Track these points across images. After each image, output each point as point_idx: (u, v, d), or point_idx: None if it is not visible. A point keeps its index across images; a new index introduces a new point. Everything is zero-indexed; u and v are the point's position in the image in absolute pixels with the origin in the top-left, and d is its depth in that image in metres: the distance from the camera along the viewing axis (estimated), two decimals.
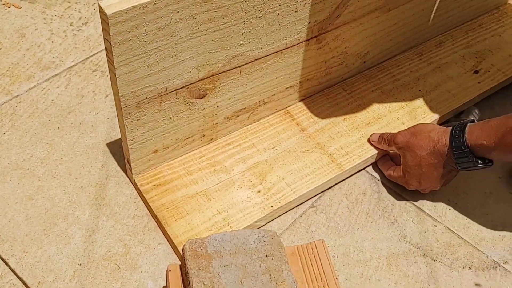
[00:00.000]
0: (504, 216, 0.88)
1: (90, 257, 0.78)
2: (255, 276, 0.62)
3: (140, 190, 0.85)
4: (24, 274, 0.76)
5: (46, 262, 0.77)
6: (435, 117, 0.97)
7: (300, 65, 0.91)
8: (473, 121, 0.81)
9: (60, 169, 0.89)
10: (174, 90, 0.78)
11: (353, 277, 0.79)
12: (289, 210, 0.86)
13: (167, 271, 0.68)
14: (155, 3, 0.67)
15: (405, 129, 0.87)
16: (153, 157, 0.85)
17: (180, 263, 0.70)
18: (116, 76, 0.71)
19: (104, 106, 0.99)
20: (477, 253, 0.84)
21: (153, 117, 0.79)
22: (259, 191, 0.85)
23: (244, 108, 0.90)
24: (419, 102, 1.00)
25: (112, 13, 0.64)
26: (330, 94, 1.00)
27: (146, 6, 0.66)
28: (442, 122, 0.99)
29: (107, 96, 1.01)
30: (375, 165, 0.94)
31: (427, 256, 0.83)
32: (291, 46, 0.87)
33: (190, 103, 0.82)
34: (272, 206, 0.83)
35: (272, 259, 0.64)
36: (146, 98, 0.76)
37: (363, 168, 0.93)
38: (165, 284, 0.75)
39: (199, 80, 0.80)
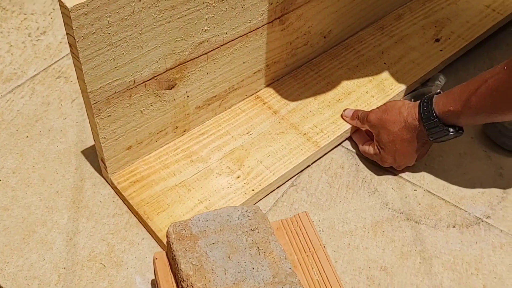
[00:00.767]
0: (481, 174, 0.90)
1: (74, 259, 0.77)
2: (242, 251, 0.61)
3: (117, 189, 0.83)
4: (8, 285, 0.74)
5: (29, 270, 0.75)
6: (402, 87, 0.99)
7: (266, 48, 0.92)
8: (439, 93, 0.82)
9: (33, 177, 0.87)
10: (143, 82, 0.77)
11: (340, 248, 0.79)
12: (271, 192, 0.86)
13: (153, 260, 0.67)
14: None
15: (377, 108, 0.88)
16: (127, 154, 0.83)
17: (166, 251, 0.69)
18: (83, 71, 0.69)
19: (71, 111, 0.97)
20: (459, 211, 0.85)
21: (123, 112, 0.78)
22: (238, 177, 0.85)
23: (215, 96, 0.90)
24: (385, 74, 1.01)
25: (74, 6, 0.63)
26: (298, 75, 1.01)
27: None
28: (409, 92, 1.01)
29: (73, 101, 0.99)
30: (350, 139, 0.95)
31: (410, 219, 0.84)
32: (255, 29, 0.87)
33: (160, 95, 0.81)
34: (253, 190, 0.83)
35: (258, 232, 0.64)
36: (115, 92, 0.75)
37: (339, 144, 0.94)
38: (153, 277, 0.74)
39: (167, 70, 0.79)
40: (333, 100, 0.97)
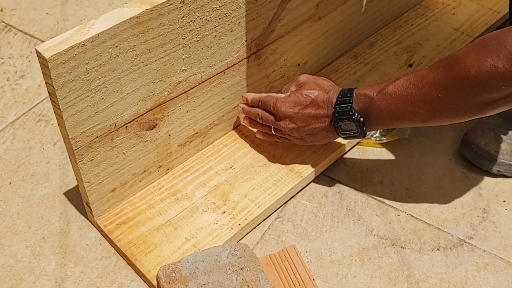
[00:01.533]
0: (461, 195, 0.92)
1: None
2: None
3: (104, 232, 0.83)
4: None
5: None
6: None
7: (244, 83, 0.93)
8: None
9: (18, 223, 0.87)
10: (124, 125, 0.78)
11: (329, 278, 0.80)
12: (257, 225, 0.87)
13: None
14: (93, 41, 0.67)
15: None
16: (112, 196, 0.84)
17: None
18: (64, 119, 0.70)
19: (53, 154, 0.98)
20: (442, 234, 0.87)
21: (106, 155, 0.78)
22: (224, 212, 0.85)
23: (196, 133, 0.91)
24: None
25: (51, 56, 0.64)
26: None
27: (84, 44, 0.66)
28: None
29: (55, 144, 0.99)
30: (332, 167, 0.96)
31: (396, 245, 0.85)
32: (232, 66, 0.89)
33: (142, 136, 0.82)
34: (239, 224, 0.84)
35: (248, 271, 0.64)
36: (97, 137, 0.75)
37: (321, 173, 0.95)
38: None
39: (147, 111, 0.80)
40: None
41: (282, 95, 0.87)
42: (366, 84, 1.06)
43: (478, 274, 0.81)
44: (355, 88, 0.82)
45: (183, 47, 0.78)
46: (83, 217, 0.87)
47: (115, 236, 0.82)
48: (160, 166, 0.88)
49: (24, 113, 1.05)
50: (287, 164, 0.92)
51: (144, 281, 0.79)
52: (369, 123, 0.81)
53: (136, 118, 0.79)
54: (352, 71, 1.09)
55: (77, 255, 0.83)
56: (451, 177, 0.95)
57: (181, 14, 0.75)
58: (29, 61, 1.17)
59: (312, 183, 0.94)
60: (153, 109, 0.80)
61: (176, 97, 0.83)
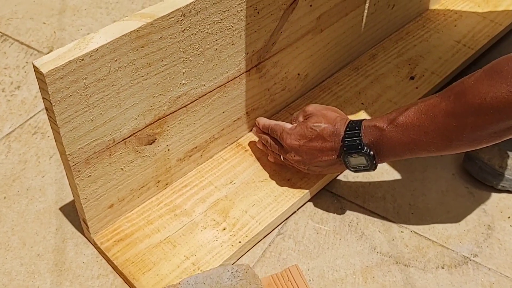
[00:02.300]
0: (464, 211, 0.90)
1: None
2: None
3: (101, 249, 0.81)
4: None
5: None
6: None
7: (245, 96, 0.92)
8: None
9: (12, 240, 0.84)
10: (122, 140, 0.76)
11: None
12: (258, 242, 0.85)
13: None
14: (92, 55, 0.65)
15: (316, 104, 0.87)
16: (109, 212, 0.82)
17: None
18: (61, 135, 0.68)
19: (49, 168, 0.95)
20: (447, 251, 0.85)
21: (104, 171, 0.76)
22: (224, 229, 0.83)
23: (196, 147, 0.89)
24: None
25: (49, 71, 0.62)
26: (278, 120, 1.00)
27: (83, 59, 0.65)
28: None
29: (51, 157, 0.97)
30: (334, 182, 0.94)
31: (399, 263, 0.83)
32: (233, 79, 0.87)
33: (140, 151, 0.80)
34: (240, 242, 0.82)
35: None
36: (95, 152, 0.73)
37: (323, 188, 0.93)
38: None
39: (146, 126, 0.78)
40: None
41: (289, 126, 0.86)
42: (368, 96, 1.05)
43: None
44: (363, 120, 0.79)
45: (183, 60, 0.77)
46: (79, 233, 0.85)
47: (112, 253, 0.80)
48: (158, 181, 0.86)
49: (20, 125, 1.03)
50: (288, 179, 0.91)
51: None
52: (380, 155, 0.78)
53: (135, 133, 0.77)
54: (354, 84, 1.08)
55: (73, 273, 0.80)
56: (455, 192, 0.94)
57: (182, 28, 0.73)
58: (25, 72, 1.15)
59: (313, 198, 0.92)
60: (152, 123, 0.79)
61: (175, 111, 0.81)
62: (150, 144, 0.81)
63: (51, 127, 0.69)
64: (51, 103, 0.65)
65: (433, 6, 1.25)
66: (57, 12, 1.27)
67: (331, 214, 0.90)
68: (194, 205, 0.86)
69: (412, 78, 1.09)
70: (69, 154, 0.70)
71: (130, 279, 0.77)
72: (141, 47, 0.70)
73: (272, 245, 0.85)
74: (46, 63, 0.63)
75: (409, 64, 1.12)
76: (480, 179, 0.94)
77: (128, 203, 0.84)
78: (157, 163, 0.84)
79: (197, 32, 0.76)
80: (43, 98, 0.66)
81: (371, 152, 0.77)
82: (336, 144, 0.80)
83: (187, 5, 0.72)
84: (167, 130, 0.82)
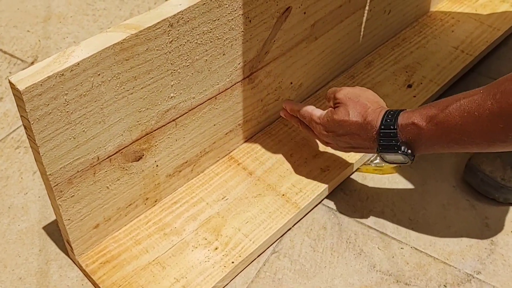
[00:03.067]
0: (466, 225, 0.87)
1: None
2: None
3: (86, 271, 0.77)
4: None
5: None
6: None
7: (237, 108, 0.88)
8: None
9: None
10: (108, 157, 0.72)
11: None
12: (251, 261, 0.81)
13: None
14: (72, 70, 0.61)
15: (350, 88, 0.82)
16: (95, 233, 0.77)
17: None
18: (41, 154, 0.64)
19: (33, 184, 0.91)
20: (449, 268, 0.81)
21: (88, 190, 0.72)
22: (216, 248, 0.79)
23: (186, 162, 0.85)
24: None
25: (26, 88, 0.58)
26: (271, 131, 0.97)
27: (63, 74, 0.61)
28: None
29: (34, 173, 0.93)
30: (330, 195, 0.91)
31: (400, 281, 0.80)
32: (224, 90, 0.83)
33: (127, 168, 0.76)
34: (232, 262, 0.78)
35: None
36: (78, 171, 0.69)
37: (319, 202, 0.90)
38: None
39: (133, 142, 0.74)
40: (310, 156, 0.93)
41: (317, 114, 0.82)
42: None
43: None
44: (399, 113, 0.74)
45: (171, 73, 0.73)
46: (63, 255, 0.81)
47: (98, 276, 0.76)
48: (147, 198, 0.82)
49: (2, 139, 0.99)
50: (283, 194, 0.87)
51: None
52: (417, 151, 0.74)
53: (120, 150, 0.73)
54: None
55: None
56: (456, 206, 0.90)
57: (169, 39, 0.69)
58: (8, 83, 1.10)
59: (309, 213, 0.88)
60: (139, 139, 0.75)
61: (164, 125, 0.77)
62: (137, 161, 0.77)
63: (31, 146, 0.65)
64: (29, 122, 0.61)
65: (431, 9, 1.22)
66: (42, 20, 1.23)
67: (328, 230, 0.86)
68: (185, 223, 0.82)
69: (409, 86, 1.05)
70: (50, 174, 0.66)
71: None
72: (126, 60, 0.66)
73: (266, 264, 0.81)
74: (23, 79, 0.59)
75: (406, 72, 1.08)
76: (482, 192, 0.90)
77: (114, 222, 0.79)
78: (145, 179, 0.80)
79: (185, 43, 0.72)
80: (20, 115, 0.62)
81: (409, 151, 0.74)
82: (368, 137, 0.76)
83: (174, 15, 0.68)
84: (155, 146, 0.78)
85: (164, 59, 0.70)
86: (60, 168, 0.67)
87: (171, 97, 0.75)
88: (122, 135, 0.72)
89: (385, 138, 0.74)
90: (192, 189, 0.87)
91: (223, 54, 0.79)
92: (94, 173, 0.72)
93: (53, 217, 0.86)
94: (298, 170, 0.91)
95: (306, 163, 0.92)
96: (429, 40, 1.15)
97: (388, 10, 1.08)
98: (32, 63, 1.13)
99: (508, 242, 0.85)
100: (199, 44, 0.74)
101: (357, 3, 0.98)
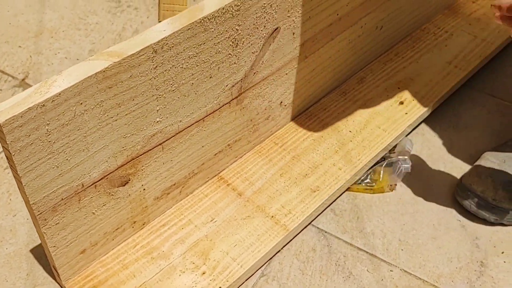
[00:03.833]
0: (456, 246, 0.86)
1: None
2: None
3: None
4: None
5: None
6: (370, 156, 0.95)
7: (226, 129, 0.87)
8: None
9: None
10: (92, 184, 0.72)
11: None
12: (239, 286, 0.81)
13: None
14: (54, 100, 0.61)
15: None
16: (81, 258, 0.77)
17: None
18: (23, 184, 0.63)
19: (21, 206, 0.91)
20: None
21: (73, 217, 0.72)
22: (204, 273, 0.79)
23: (174, 184, 0.84)
24: (352, 144, 0.98)
25: (6, 120, 0.58)
26: (262, 150, 0.96)
27: (44, 105, 0.60)
28: (377, 161, 0.97)
29: None
30: (320, 216, 0.90)
31: None
32: (212, 112, 0.83)
33: (113, 193, 0.75)
34: (220, 287, 0.77)
35: None
36: (62, 199, 0.69)
37: (309, 223, 0.89)
38: None
39: (118, 168, 0.74)
40: (300, 176, 0.92)
41: None
42: (355, 123, 1.00)
43: None
44: None
45: (157, 98, 0.72)
46: (51, 279, 0.81)
47: None
48: (134, 222, 0.82)
49: None
50: (272, 216, 0.86)
51: None
52: None
53: (106, 176, 0.73)
54: (341, 109, 1.04)
55: None
56: (447, 226, 0.90)
57: (153, 65, 0.69)
58: None
59: (299, 235, 0.88)
60: (124, 164, 0.74)
61: (150, 149, 0.76)
62: (124, 185, 0.76)
63: (13, 175, 0.65)
64: (10, 153, 0.60)
65: (425, 23, 1.21)
66: (34, 35, 1.22)
67: (317, 252, 0.85)
68: (173, 246, 0.82)
69: (401, 103, 1.05)
70: (33, 204, 0.66)
71: None
72: (109, 87, 0.66)
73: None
74: (3, 111, 0.58)
75: (399, 88, 1.08)
76: (473, 212, 0.90)
77: (102, 246, 0.79)
78: (132, 203, 0.79)
79: (170, 68, 0.71)
80: (2, 146, 0.61)
81: None
82: None
83: (158, 41, 0.67)
84: (142, 170, 0.77)
85: (148, 85, 0.70)
86: (44, 197, 0.67)
87: (157, 121, 0.75)
88: (107, 161, 0.71)
89: None
90: (180, 211, 0.86)
91: (210, 77, 0.78)
92: (79, 200, 0.71)
93: None
94: (288, 190, 0.90)
95: (296, 183, 0.91)
96: (422, 55, 1.14)
97: (380, 26, 1.07)
98: (23, 80, 1.12)
99: (498, 263, 0.85)
100: (184, 68, 0.73)
101: (348, 21, 0.97)
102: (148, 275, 0.78)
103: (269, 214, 0.86)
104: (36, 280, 0.81)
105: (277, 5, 0.81)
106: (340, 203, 0.93)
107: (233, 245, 0.82)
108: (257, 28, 0.80)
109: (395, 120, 1.01)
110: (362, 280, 0.82)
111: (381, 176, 0.95)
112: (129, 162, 0.74)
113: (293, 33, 0.87)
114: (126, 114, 0.70)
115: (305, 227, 0.89)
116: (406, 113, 1.03)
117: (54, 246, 0.72)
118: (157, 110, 0.74)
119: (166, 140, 0.78)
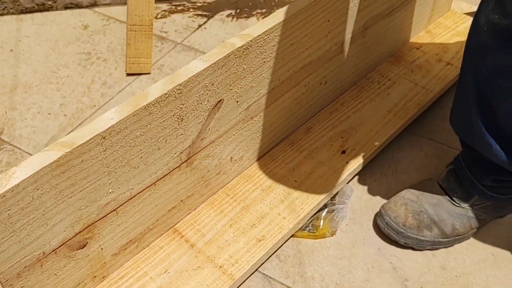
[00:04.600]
0: None
1: None
2: None
3: None
4: None
5: None
6: (313, 205, 1.05)
7: (178, 188, 0.97)
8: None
9: None
10: (53, 251, 0.81)
11: None
12: None
13: None
14: (13, 190, 0.71)
15: None
16: None
17: None
18: None
19: None
20: None
21: (37, 280, 0.82)
22: None
23: (130, 241, 0.94)
24: (297, 193, 1.08)
25: None
26: (214, 202, 1.06)
27: (4, 195, 0.70)
28: (319, 209, 1.07)
29: None
30: (266, 262, 1.00)
31: None
32: (163, 177, 0.92)
33: (72, 256, 0.85)
34: None
35: None
36: (25, 267, 0.79)
37: (255, 270, 0.99)
38: None
39: (76, 234, 0.83)
40: (248, 226, 1.02)
41: None
42: (300, 173, 1.10)
43: None
44: None
45: (108, 173, 0.82)
46: None
47: None
48: (95, 276, 0.92)
49: None
50: (220, 266, 0.96)
51: None
52: None
53: (65, 243, 0.82)
54: (288, 160, 1.14)
55: None
56: (379, 268, 1.00)
57: (103, 148, 0.79)
58: None
59: (245, 282, 0.98)
60: (82, 231, 0.84)
61: (105, 216, 0.86)
62: (82, 248, 0.86)
63: None
64: None
65: (370, 72, 1.31)
66: (9, 90, 1.32)
67: None
68: None
69: (343, 152, 1.15)
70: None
71: None
72: (63, 172, 0.76)
73: None
74: None
75: (342, 137, 1.18)
76: (386, 234, 1.03)
77: None
78: (92, 261, 0.89)
79: (119, 148, 0.81)
80: None
81: None
82: None
83: (106, 129, 0.77)
84: (98, 233, 0.87)
85: (99, 165, 0.80)
86: (9, 267, 0.76)
87: (110, 192, 0.85)
88: (65, 231, 0.81)
89: None
90: (137, 263, 0.97)
91: (158, 149, 0.88)
92: (42, 266, 0.81)
93: None
94: (236, 240, 1.00)
95: (244, 233, 1.01)
96: (365, 104, 1.25)
97: (324, 81, 1.18)
98: None
99: None
100: (133, 146, 0.83)
101: (290, 83, 1.07)
102: None
103: (217, 264, 0.97)
104: None
105: (218, 82, 0.91)
106: (285, 249, 1.03)
107: None
108: (201, 103, 0.90)
109: (336, 169, 1.12)
110: None
111: (321, 223, 1.05)
112: (85, 228, 0.84)
113: (237, 101, 0.97)
114: (80, 191, 0.80)
115: (252, 274, 0.99)
116: (347, 162, 1.13)
117: None
118: (109, 183, 0.84)
119: (120, 206, 0.88)
